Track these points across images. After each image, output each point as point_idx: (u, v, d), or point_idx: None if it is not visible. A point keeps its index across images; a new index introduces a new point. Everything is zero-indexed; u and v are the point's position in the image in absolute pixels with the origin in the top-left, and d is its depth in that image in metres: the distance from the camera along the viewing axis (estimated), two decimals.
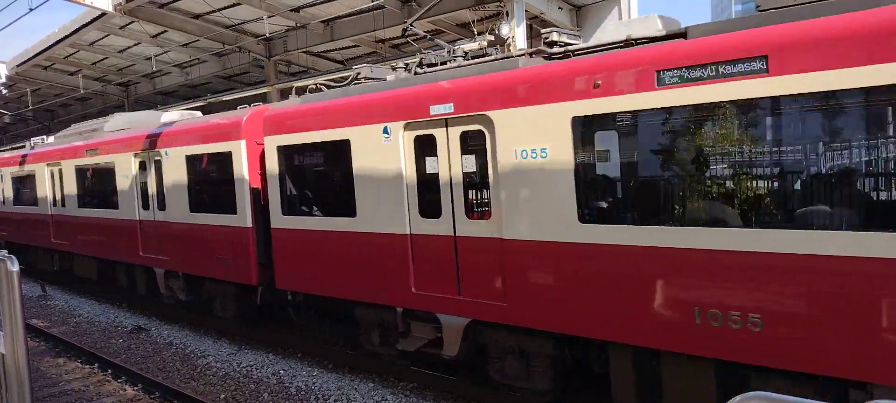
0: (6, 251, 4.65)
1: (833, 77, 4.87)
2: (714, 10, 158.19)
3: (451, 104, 7.35)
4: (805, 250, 5.09)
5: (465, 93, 7.25)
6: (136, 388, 9.32)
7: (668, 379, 6.15)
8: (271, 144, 9.64)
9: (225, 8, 19.69)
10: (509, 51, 9.11)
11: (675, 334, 5.82)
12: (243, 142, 10.44)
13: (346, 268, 8.73)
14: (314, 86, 10.25)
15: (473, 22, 17.24)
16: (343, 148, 8.61)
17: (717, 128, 5.55)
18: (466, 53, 8.56)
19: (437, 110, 7.50)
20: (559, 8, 17.97)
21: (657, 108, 5.77)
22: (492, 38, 16.23)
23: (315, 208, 9.28)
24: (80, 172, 15.37)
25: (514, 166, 6.86)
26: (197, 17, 20.76)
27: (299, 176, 9.56)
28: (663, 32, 6.34)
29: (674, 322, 5.80)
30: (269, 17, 19.69)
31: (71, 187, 15.89)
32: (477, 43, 8.75)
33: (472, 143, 7.34)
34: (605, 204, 6.46)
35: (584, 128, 6.31)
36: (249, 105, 11.52)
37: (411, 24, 11.19)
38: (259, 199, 10.43)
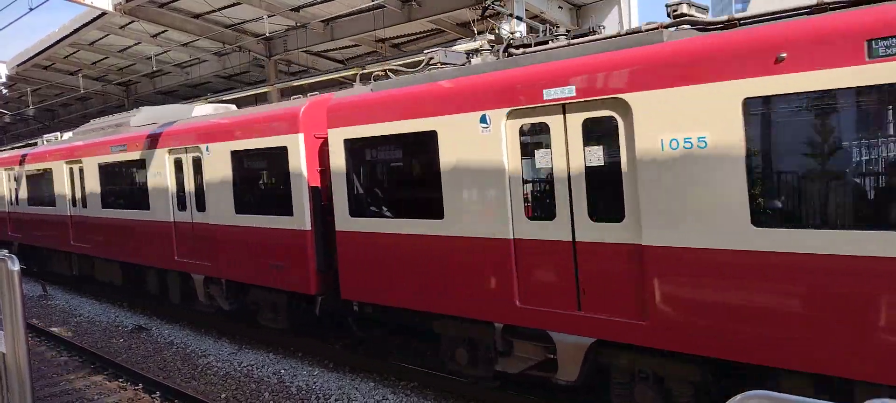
0: (6, 251, 4.65)
1: None
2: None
3: (573, 87, 6.32)
4: None
5: (592, 74, 6.20)
6: (136, 388, 9.32)
7: None
8: (337, 138, 8.63)
9: (225, 7, 19.70)
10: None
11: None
12: (301, 136, 9.39)
13: (429, 277, 7.75)
14: (382, 73, 9.44)
15: (474, 21, 17.21)
16: (427, 140, 7.62)
17: None
18: (569, 31, 7.65)
19: (553, 94, 6.47)
20: (559, 7, 17.97)
21: (866, 86, 4.74)
22: (492, 37, 16.22)
23: (390, 209, 8.27)
24: (105, 170, 14.26)
25: (658, 159, 5.78)
26: (197, 16, 20.76)
27: (371, 172, 8.56)
28: None
29: None
30: (269, 17, 19.69)
31: (93, 186, 14.74)
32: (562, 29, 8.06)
33: (598, 132, 6.30)
34: (786, 204, 5.34)
35: (760, 111, 5.25)
36: (305, 95, 10.78)
37: (492, 3, 10.71)
38: (319, 199, 9.42)
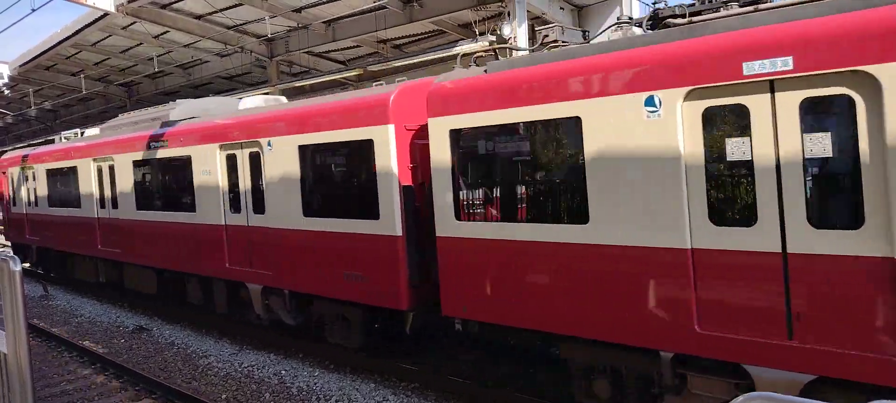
0: (9, 251, 4.67)
1: None
2: None
3: (789, 57, 5.11)
4: None
5: (821, 41, 5.00)
6: (137, 388, 9.33)
7: None
8: (440, 128, 7.47)
9: (227, 8, 19.71)
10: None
11: None
12: (391, 128, 8.13)
13: (563, 293, 6.56)
14: (483, 55, 8.38)
15: (475, 22, 17.23)
16: (567, 128, 6.48)
17: None
18: None
19: (758, 68, 5.27)
20: (560, 8, 17.97)
21: None
22: (493, 38, 16.27)
23: (510, 211, 7.07)
24: (141, 168, 13.03)
25: None
26: (199, 17, 20.78)
27: (486, 168, 7.33)
28: None
29: None
30: (270, 18, 19.70)
31: (126, 185, 13.44)
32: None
33: (825, 115, 5.14)
34: None
35: None
36: (381, 82, 9.90)
37: None
38: (411, 200, 8.24)
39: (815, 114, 5.15)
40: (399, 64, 19.60)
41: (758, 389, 5.51)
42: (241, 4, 19.00)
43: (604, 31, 7.87)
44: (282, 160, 9.70)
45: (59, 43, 23.33)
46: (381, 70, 20.21)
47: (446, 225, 7.59)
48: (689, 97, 5.68)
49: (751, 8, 6.03)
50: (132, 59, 26.38)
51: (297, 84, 22.42)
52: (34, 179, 18.07)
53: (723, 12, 6.16)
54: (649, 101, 5.85)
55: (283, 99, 11.86)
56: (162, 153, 12.23)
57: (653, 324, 5.93)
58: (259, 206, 10.28)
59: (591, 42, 6.92)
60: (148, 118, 13.54)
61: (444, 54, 17.84)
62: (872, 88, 4.84)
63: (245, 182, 10.48)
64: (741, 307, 5.50)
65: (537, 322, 6.80)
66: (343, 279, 8.95)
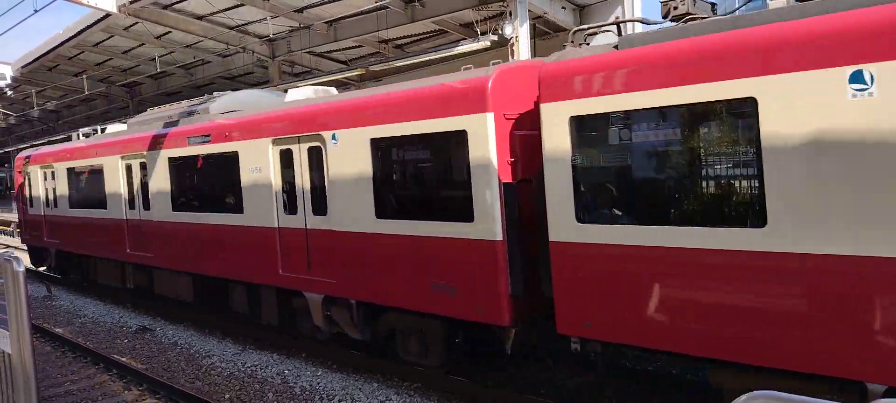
0: (12, 252, 4.68)
1: None
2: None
3: None
4: None
5: None
6: (140, 388, 9.35)
7: None
8: (557, 115, 6.47)
9: (229, 9, 19.75)
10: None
11: None
12: (490, 117, 7.06)
13: (732, 311, 5.50)
14: (595, 33, 7.47)
15: (477, 22, 17.25)
16: (736, 111, 5.49)
17: None
18: None
19: None
20: (562, 8, 17.97)
21: None
22: (495, 37, 16.29)
23: (657, 212, 6.05)
24: (178, 166, 11.94)
25: None
26: (201, 18, 20.83)
27: (621, 160, 6.37)
28: None
29: None
30: (272, 18, 19.73)
31: (160, 185, 12.39)
32: None
33: None
34: None
35: None
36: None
37: None
38: (513, 199, 7.13)
39: None
40: (401, 64, 19.63)
41: None
42: (242, 5, 19.04)
43: (712, 5, 6.78)
44: (349, 155, 8.64)
45: (62, 44, 23.38)
46: (382, 70, 20.24)
47: (564, 228, 6.48)
48: None
49: None
50: (134, 59, 26.44)
51: (300, 84, 22.47)
52: (54, 179, 16.99)
53: None
54: (856, 77, 4.80)
55: (333, 90, 10.86)
56: (203, 149, 11.16)
57: (868, 352, 4.85)
58: (320, 207, 9.23)
59: (768, 7, 5.68)
60: (184, 112, 12.46)
61: (446, 54, 17.86)
62: None
63: (303, 180, 9.45)
64: None
65: (691, 344, 5.74)
66: (428, 289, 7.85)
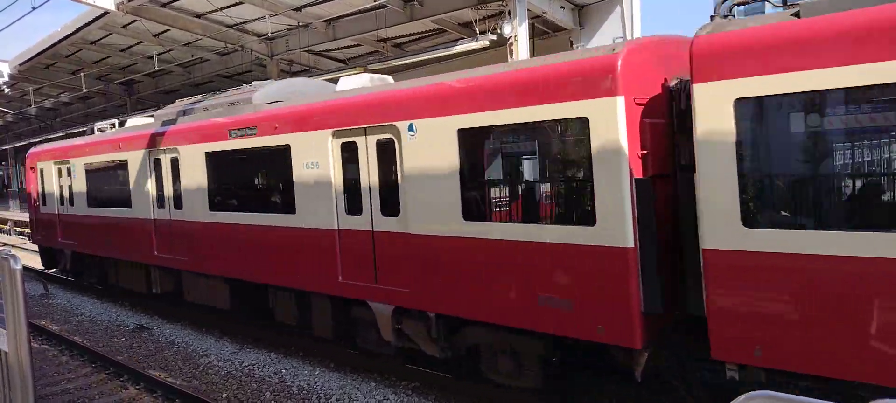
0: (10, 250, 4.67)
1: None
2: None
3: None
4: None
5: None
6: (137, 387, 9.33)
7: None
8: (717, 97, 5.47)
9: (227, 7, 19.71)
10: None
11: None
12: (620, 101, 6.06)
13: None
14: (748, 1, 6.59)
15: (475, 21, 17.23)
16: None
17: None
18: None
19: None
20: (561, 7, 17.97)
21: None
22: (494, 37, 16.28)
23: (848, 213, 5.15)
24: (218, 161, 10.94)
25: None
26: (199, 15, 20.78)
27: (815, 151, 5.31)
28: None
29: None
30: (271, 16, 19.70)
31: (195, 182, 11.40)
32: None
33: None
34: None
35: None
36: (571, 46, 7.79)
37: None
38: (648, 199, 6.11)
39: None
40: (399, 62, 19.61)
41: None
42: (241, 3, 19.00)
43: None
44: (430, 148, 7.62)
45: (60, 41, 23.33)
46: (381, 69, 20.21)
47: (724, 233, 5.49)
48: None
49: None
50: (132, 57, 26.39)
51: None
52: (70, 175, 15.85)
53: None
54: None
55: (390, 79, 9.97)
56: (248, 142, 10.15)
57: None
58: (391, 207, 8.24)
59: None
60: (223, 102, 11.40)
61: (445, 53, 17.84)
62: None
63: (370, 177, 8.46)
64: None
65: None
66: (530, 303, 6.82)
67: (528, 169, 7.20)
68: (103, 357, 10.52)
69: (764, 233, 5.31)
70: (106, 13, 19.28)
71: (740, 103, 5.38)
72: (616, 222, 6.15)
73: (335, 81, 10.93)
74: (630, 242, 6.07)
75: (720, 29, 5.74)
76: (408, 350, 8.61)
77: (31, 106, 34.16)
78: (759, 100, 5.33)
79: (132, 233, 13.38)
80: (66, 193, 16.24)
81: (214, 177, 11.06)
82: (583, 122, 6.31)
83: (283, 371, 9.67)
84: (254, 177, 10.49)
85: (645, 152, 6.26)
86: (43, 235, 18.13)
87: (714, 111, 5.52)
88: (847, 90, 4.90)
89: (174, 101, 13.99)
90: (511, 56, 15.61)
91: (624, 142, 6.06)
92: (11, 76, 27.88)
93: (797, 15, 5.44)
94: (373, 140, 8.39)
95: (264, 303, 10.83)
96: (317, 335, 9.83)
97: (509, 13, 15.68)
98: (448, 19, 18.31)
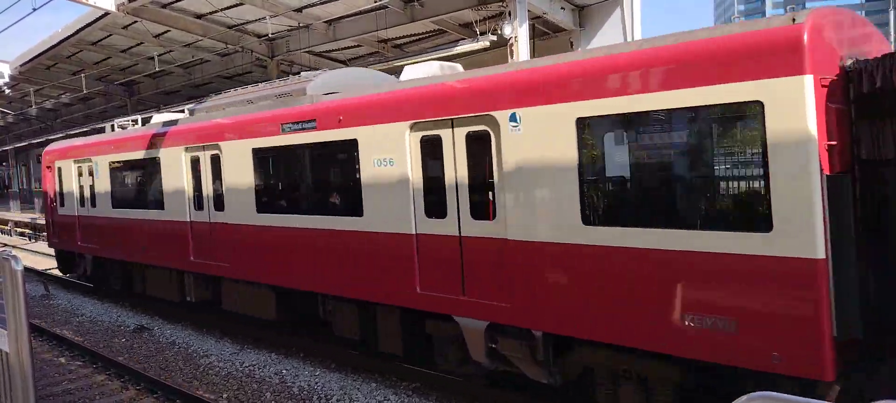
0: (10, 251, 4.68)
1: None
2: (716, 9, 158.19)
3: None
4: None
5: None
6: (138, 387, 9.34)
7: None
8: None
9: (228, 8, 19.73)
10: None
11: None
12: (808, 81, 5.09)
13: None
14: None
15: (476, 22, 17.25)
16: None
17: None
18: None
19: None
20: (561, 8, 17.99)
21: None
22: (494, 37, 16.28)
23: None
24: (266, 158, 10.11)
25: None
26: (200, 16, 20.81)
27: None
28: None
29: None
30: (271, 17, 19.72)
31: (240, 180, 10.46)
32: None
33: None
34: None
35: None
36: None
37: None
38: (845, 200, 5.19)
39: None
40: (400, 63, 19.63)
41: None
42: (242, 4, 19.02)
43: None
44: (539, 141, 6.64)
45: (60, 42, 23.36)
46: (381, 70, 20.21)
47: None
48: None
49: None
50: (133, 58, 26.42)
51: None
52: (92, 174, 14.88)
53: None
54: None
55: (459, 67, 9.19)
56: (304, 137, 9.21)
57: None
58: (483, 209, 7.30)
59: None
60: (270, 94, 10.43)
61: (446, 54, 17.85)
62: None
63: (457, 175, 7.50)
64: None
65: None
66: (675, 324, 5.79)
67: (674, 164, 6.05)
68: (104, 358, 10.53)
69: None
70: (106, 14, 19.30)
71: None
72: (801, 228, 5.11)
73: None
74: (820, 252, 5.06)
75: None
76: (503, 373, 7.67)
77: (31, 107, 34.18)
78: None
79: (165, 237, 12.41)
80: (87, 193, 15.24)
81: (263, 175, 10.19)
82: (754, 107, 5.30)
83: (284, 371, 9.67)
84: (310, 176, 9.58)
85: (833, 143, 5.24)
86: (60, 238, 17.04)
87: None
88: None
89: (175, 102, 13.96)
90: (511, 57, 15.62)
91: (813, 130, 5.07)
92: (12, 77, 27.92)
93: None
94: (462, 133, 7.38)
95: (314, 314, 10.10)
96: (382, 351, 8.89)
97: (510, 14, 15.70)
98: (448, 20, 18.32)
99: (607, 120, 6.19)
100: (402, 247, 8.04)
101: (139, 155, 12.97)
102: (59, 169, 16.53)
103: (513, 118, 6.86)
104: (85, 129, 29.90)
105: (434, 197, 7.76)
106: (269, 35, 21.48)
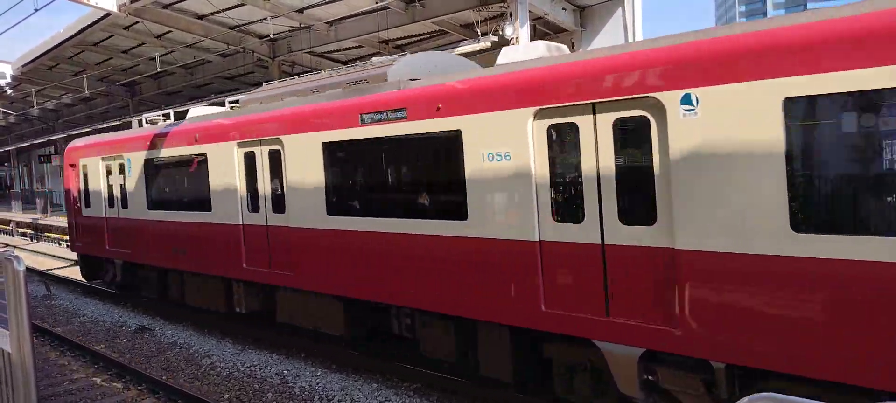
0: (13, 251, 4.69)
1: None
2: (718, 10, 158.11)
3: None
4: None
5: None
6: (140, 387, 9.35)
7: None
8: None
9: (229, 8, 19.77)
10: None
11: None
12: None
13: None
14: None
15: (477, 22, 17.26)
16: None
17: None
18: None
19: None
20: (563, 8, 17.99)
21: None
22: (495, 38, 16.29)
23: None
24: (341, 153, 8.93)
25: None
26: (201, 17, 20.85)
27: None
28: None
29: None
30: (273, 18, 19.75)
31: (307, 179, 9.34)
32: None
33: None
34: None
35: None
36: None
37: None
38: None
39: None
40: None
41: None
42: (243, 4, 19.05)
43: None
44: (725, 128, 5.44)
45: (62, 43, 23.41)
46: None
47: None
48: None
49: None
50: (134, 58, 26.47)
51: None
52: (123, 173, 13.78)
53: None
54: None
55: (565, 47, 8.25)
56: (391, 129, 8.15)
57: None
58: (634, 213, 6.16)
59: None
60: (341, 81, 9.49)
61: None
62: None
63: (599, 170, 6.34)
64: None
65: None
66: None
67: None
68: (106, 358, 10.55)
69: None
70: (108, 15, 19.34)
71: None
72: None
73: None
74: None
75: None
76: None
77: (33, 107, 34.25)
78: None
79: (211, 242, 11.30)
80: (117, 194, 14.12)
81: (335, 172, 9.02)
82: None
83: (285, 372, 9.68)
84: (397, 173, 8.40)
85: None
86: (85, 242, 15.84)
87: None
88: None
89: (176, 103, 13.88)
90: None
91: None
92: (14, 77, 27.98)
93: None
94: (608, 120, 6.20)
95: (386, 328, 9.26)
96: (485, 374, 7.71)
97: (511, 15, 15.71)
98: (449, 21, 18.35)
99: (825, 99, 4.94)
100: (521, 257, 6.89)
101: (181, 151, 11.88)
102: (85, 167, 15.35)
103: (686, 100, 5.66)
104: (87, 130, 29.98)
105: (565, 198, 6.60)
106: (271, 36, 21.51)
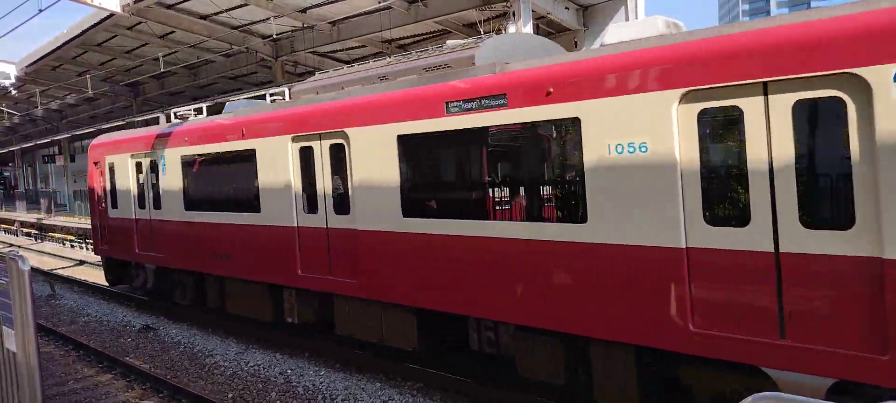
0: (17, 251, 4.71)
1: None
2: (720, 9, 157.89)
3: None
4: None
5: None
6: (144, 387, 9.38)
7: None
8: None
9: (232, 9, 19.80)
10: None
11: None
12: None
13: None
14: None
15: (480, 22, 17.26)
16: None
17: None
18: None
19: None
20: (566, 8, 17.98)
21: None
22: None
23: None
24: (420, 148, 7.94)
25: None
26: (204, 17, 20.89)
27: None
28: None
29: None
30: (276, 18, 19.78)
31: (378, 176, 8.42)
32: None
33: None
34: None
35: None
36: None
37: None
38: None
39: None
40: (402, 66, 19.64)
41: None
42: (246, 4, 19.08)
43: None
44: None
45: (66, 43, 23.49)
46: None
47: None
48: None
49: None
50: (138, 59, 26.54)
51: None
52: (155, 171, 12.86)
53: None
54: None
55: (682, 24, 7.28)
56: (485, 118, 7.15)
57: None
58: (826, 214, 5.14)
59: None
60: (415, 67, 8.58)
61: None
62: None
63: (772, 162, 5.31)
64: None
65: None
66: None
67: None
68: (110, 358, 10.58)
69: None
70: (112, 15, 19.39)
71: None
72: None
73: None
74: None
75: None
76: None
77: (37, 107, 34.35)
78: None
79: (260, 246, 10.38)
80: (149, 193, 13.13)
81: (413, 169, 8.06)
82: None
83: (289, 371, 9.70)
84: (491, 169, 7.37)
85: None
86: (112, 245, 14.81)
87: None
88: None
89: (179, 103, 13.86)
90: None
91: None
92: (18, 78, 28.09)
93: None
94: (784, 102, 5.19)
95: (462, 342, 8.47)
96: (597, 400, 6.75)
97: (514, 14, 15.70)
98: (452, 20, 18.35)
99: None
100: (659, 267, 5.92)
101: (224, 147, 10.92)
102: (111, 165, 14.32)
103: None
104: (91, 130, 30.06)
105: (722, 197, 5.65)
106: (274, 36, 21.53)
